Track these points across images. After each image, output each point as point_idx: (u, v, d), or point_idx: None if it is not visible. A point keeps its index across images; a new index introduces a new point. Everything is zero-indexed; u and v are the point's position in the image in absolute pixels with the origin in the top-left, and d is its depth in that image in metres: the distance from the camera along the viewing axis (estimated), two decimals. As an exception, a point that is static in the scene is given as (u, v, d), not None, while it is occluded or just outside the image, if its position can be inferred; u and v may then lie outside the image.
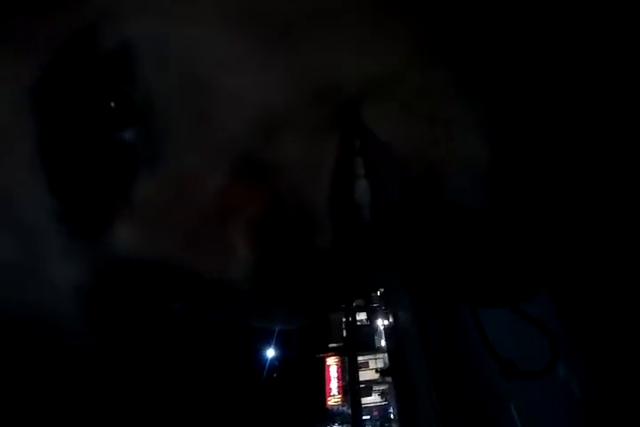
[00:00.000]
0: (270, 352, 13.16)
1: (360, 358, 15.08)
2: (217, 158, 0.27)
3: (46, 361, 0.35)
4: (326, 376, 14.21)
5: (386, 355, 14.37)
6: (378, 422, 13.75)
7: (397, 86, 0.27)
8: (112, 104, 0.27)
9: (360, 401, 13.55)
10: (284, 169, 0.26)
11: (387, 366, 13.84)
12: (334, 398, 14.03)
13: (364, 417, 13.65)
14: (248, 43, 0.27)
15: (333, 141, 0.26)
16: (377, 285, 0.39)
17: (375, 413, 13.98)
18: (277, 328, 0.35)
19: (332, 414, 13.68)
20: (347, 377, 14.03)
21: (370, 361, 15.16)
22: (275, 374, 12.87)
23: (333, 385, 14.23)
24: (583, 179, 0.33)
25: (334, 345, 15.86)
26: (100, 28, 0.27)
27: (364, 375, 14.56)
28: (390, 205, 0.27)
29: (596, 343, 0.39)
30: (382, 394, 14.18)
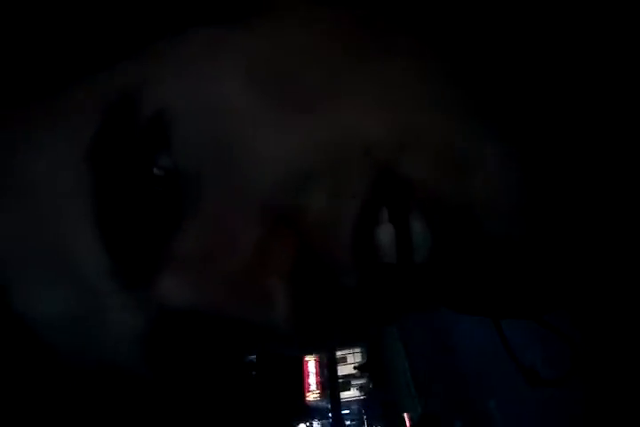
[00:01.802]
0: (248, 349, 13.19)
1: (338, 353, 15.18)
2: (250, 211, 0.28)
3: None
4: (305, 372, 14.27)
5: (364, 349, 14.48)
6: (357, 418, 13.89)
7: (427, 139, 0.29)
8: (154, 168, 0.28)
9: (339, 396, 13.63)
10: (311, 220, 0.28)
11: (364, 361, 13.96)
12: (313, 394, 14.10)
13: (343, 411, 13.76)
14: (277, 105, 0.29)
15: (363, 192, 0.28)
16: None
17: (354, 407, 14.10)
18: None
19: (312, 410, 13.75)
20: (325, 372, 14.11)
21: (348, 356, 15.26)
22: (254, 372, 12.91)
23: (312, 381, 14.29)
24: (609, 206, 0.35)
25: (312, 341, 15.96)
26: (139, 96, 0.28)
27: (343, 370, 14.65)
28: (418, 247, 0.28)
29: (611, 351, 0.41)
30: (361, 388, 14.29)
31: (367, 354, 13.93)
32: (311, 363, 14.72)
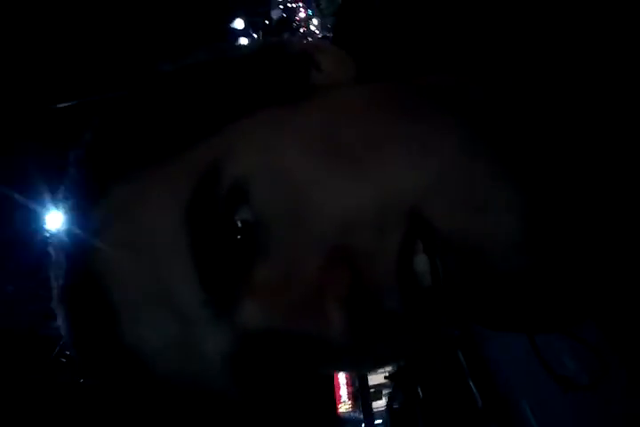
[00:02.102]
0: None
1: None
2: (312, 250, 0.35)
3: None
4: (335, 383, 14.18)
5: (393, 358, 14.31)
6: None
7: (448, 186, 0.35)
8: (236, 219, 0.35)
9: (371, 406, 13.51)
10: (361, 254, 0.35)
11: (395, 370, 13.82)
12: (345, 405, 14.01)
13: (376, 422, 13.63)
14: (329, 163, 0.36)
15: (398, 235, 0.34)
16: None
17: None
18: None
19: (345, 421, 13.65)
20: (356, 383, 14.01)
21: (378, 365, 15.11)
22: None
23: (343, 392, 14.21)
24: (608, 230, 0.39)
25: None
26: (222, 166, 0.36)
27: (373, 380, 14.53)
28: (446, 272, 0.34)
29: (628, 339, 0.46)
30: (393, 397, 14.14)
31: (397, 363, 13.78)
32: (341, 374, 14.63)
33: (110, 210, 0.37)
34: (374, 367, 0.43)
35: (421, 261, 0.34)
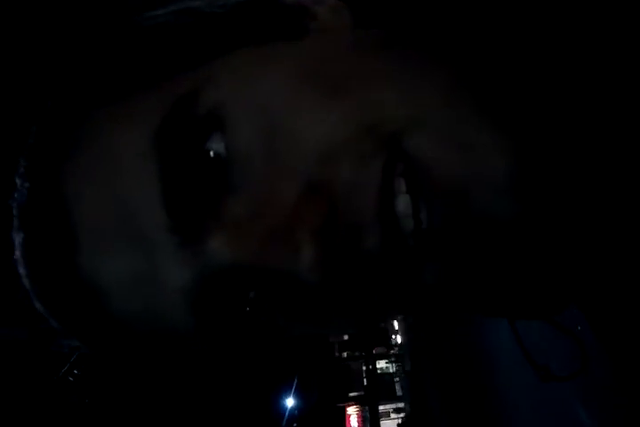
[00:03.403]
0: (290, 401, 12.89)
1: (381, 408, 14.74)
2: (288, 181, 0.34)
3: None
4: (347, 426, 13.87)
5: (407, 406, 14.02)
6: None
7: (433, 121, 0.34)
8: (208, 145, 0.35)
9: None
10: (339, 186, 0.33)
11: (408, 415, 13.50)
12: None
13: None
14: (314, 93, 0.35)
15: (379, 166, 0.33)
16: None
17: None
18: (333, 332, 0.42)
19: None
20: (368, 427, 13.69)
21: (391, 410, 14.79)
22: (295, 425, 12.59)
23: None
24: (602, 189, 0.38)
25: (355, 394, 15.53)
26: (198, 95, 0.35)
27: (385, 425, 14.19)
28: (429, 215, 0.32)
29: (624, 348, 0.44)
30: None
31: (410, 411, 13.49)
32: (353, 417, 14.32)
33: (83, 133, 0.37)
34: (341, 317, 0.39)
35: (404, 202, 0.32)
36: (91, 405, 3.68)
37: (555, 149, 0.36)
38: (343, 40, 0.39)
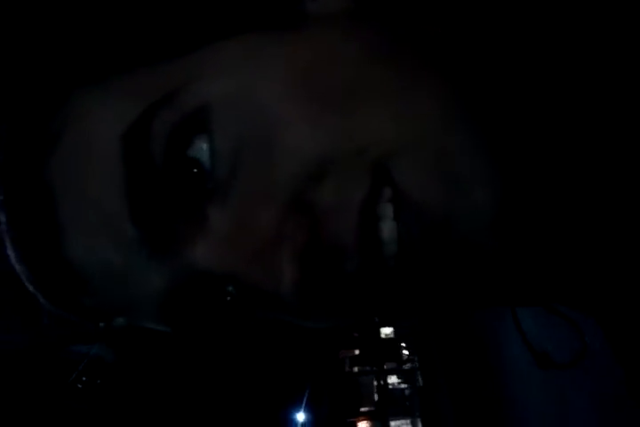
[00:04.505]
0: (300, 416, 12.77)
1: (392, 424, 14.56)
2: (273, 196, 0.34)
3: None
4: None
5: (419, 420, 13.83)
6: None
7: (423, 147, 0.34)
8: (189, 150, 0.33)
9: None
10: (323, 207, 0.33)
11: (420, 433, 13.32)
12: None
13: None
14: (306, 104, 0.34)
15: (365, 189, 0.33)
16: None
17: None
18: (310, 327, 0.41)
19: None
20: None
21: (402, 426, 14.60)
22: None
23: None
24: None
25: (366, 409, 15.36)
26: (181, 90, 0.34)
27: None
28: (411, 241, 0.33)
29: (626, 338, 0.44)
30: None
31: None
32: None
33: (65, 119, 0.36)
34: (320, 325, 0.41)
35: (385, 226, 0.33)
36: (99, 412, 3.67)
37: (542, 186, 0.35)
38: (342, 37, 0.37)
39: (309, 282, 0.33)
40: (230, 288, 0.36)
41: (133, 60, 0.36)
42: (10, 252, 0.38)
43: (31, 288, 0.39)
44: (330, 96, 0.34)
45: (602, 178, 0.35)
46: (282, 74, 0.35)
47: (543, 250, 0.36)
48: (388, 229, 0.32)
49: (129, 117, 0.34)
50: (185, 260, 0.34)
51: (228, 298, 0.36)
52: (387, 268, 0.33)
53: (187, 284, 0.35)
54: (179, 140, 0.33)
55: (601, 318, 0.44)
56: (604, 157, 0.35)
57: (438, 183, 0.33)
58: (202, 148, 0.33)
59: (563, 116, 0.35)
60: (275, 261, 0.33)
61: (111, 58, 0.36)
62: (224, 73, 0.35)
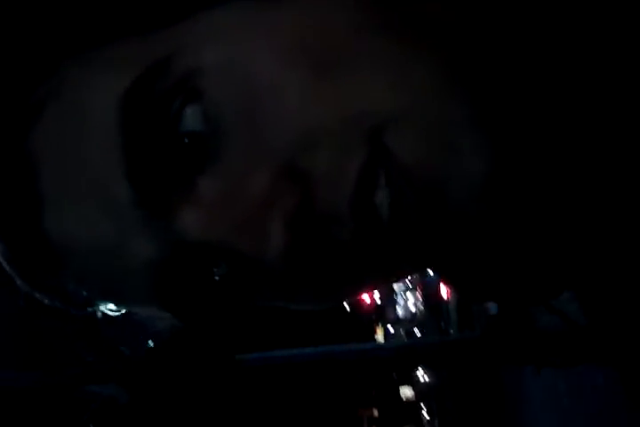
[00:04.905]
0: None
1: None
2: (265, 163, 0.33)
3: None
4: None
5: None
6: None
7: (419, 116, 0.33)
8: (183, 116, 0.33)
9: None
10: (317, 175, 0.32)
11: None
12: None
13: None
14: (303, 69, 0.33)
15: (361, 157, 0.32)
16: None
17: None
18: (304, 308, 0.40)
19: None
20: None
21: None
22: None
23: None
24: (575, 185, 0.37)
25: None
26: (174, 57, 0.33)
27: None
28: (406, 206, 0.32)
29: (619, 335, 0.43)
30: None
31: None
32: None
33: (53, 88, 0.35)
34: (307, 306, 0.39)
35: (380, 193, 0.32)
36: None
37: (532, 156, 0.36)
38: (338, 2, 0.36)
39: (298, 248, 0.32)
40: (222, 266, 0.36)
41: (123, 30, 0.35)
42: None
43: (8, 268, 0.38)
44: (325, 64, 0.33)
45: (592, 148, 0.36)
46: (275, 40, 0.34)
47: (531, 216, 0.36)
48: (383, 195, 0.32)
49: (123, 83, 0.33)
50: (175, 227, 0.33)
51: (219, 275, 0.36)
52: (381, 233, 0.33)
53: (177, 257, 0.34)
54: (171, 105, 0.33)
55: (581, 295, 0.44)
56: (597, 128, 0.36)
57: (432, 151, 0.33)
58: (194, 113, 0.33)
59: (554, 88, 0.36)
60: (264, 227, 0.32)
61: (100, 28, 0.35)
62: (216, 40, 0.34)
